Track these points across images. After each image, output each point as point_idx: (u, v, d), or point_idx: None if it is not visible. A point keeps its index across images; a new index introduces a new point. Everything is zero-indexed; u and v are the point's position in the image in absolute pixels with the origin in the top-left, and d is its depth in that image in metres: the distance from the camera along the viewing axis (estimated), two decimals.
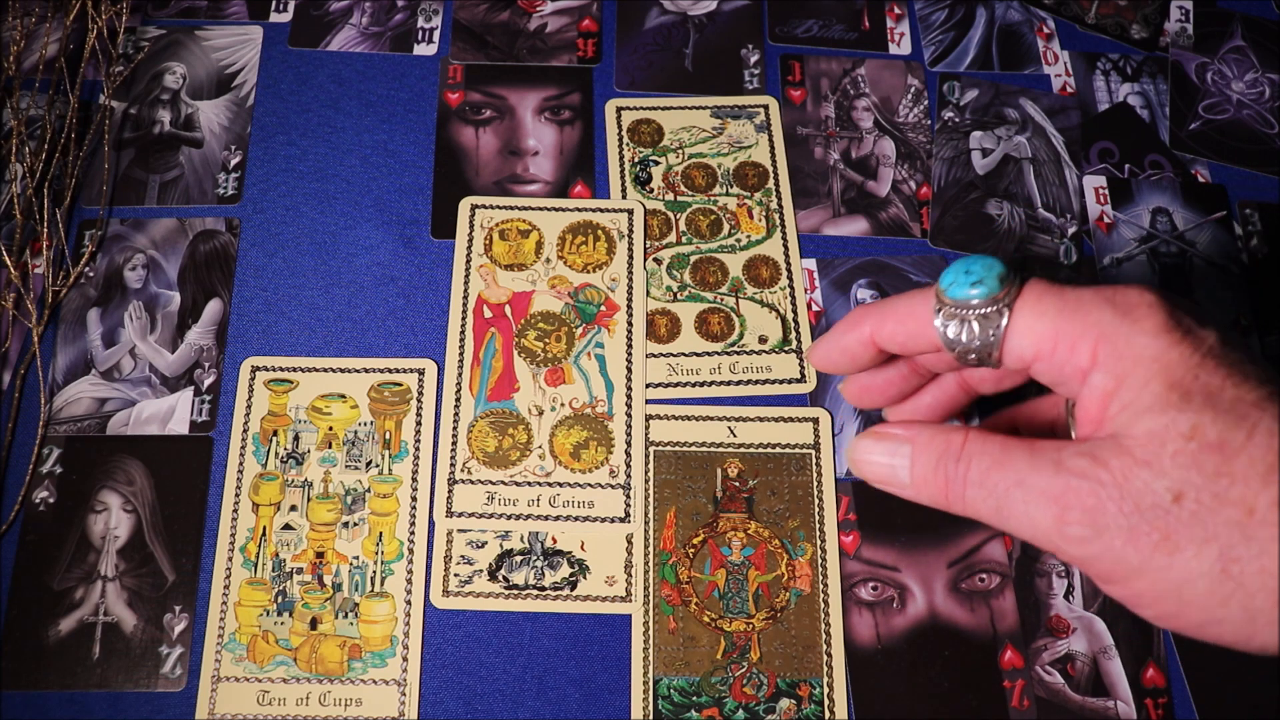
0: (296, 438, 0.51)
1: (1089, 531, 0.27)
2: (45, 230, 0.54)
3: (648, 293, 0.55)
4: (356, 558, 0.48)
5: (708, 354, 0.53)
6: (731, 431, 0.51)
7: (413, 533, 0.49)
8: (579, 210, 0.57)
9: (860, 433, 0.33)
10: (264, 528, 0.49)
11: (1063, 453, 0.28)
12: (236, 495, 0.49)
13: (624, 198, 0.57)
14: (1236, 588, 0.24)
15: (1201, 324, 0.28)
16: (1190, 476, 0.25)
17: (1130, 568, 0.26)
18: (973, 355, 0.30)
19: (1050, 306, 0.29)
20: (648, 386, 0.52)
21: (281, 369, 0.52)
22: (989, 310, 0.29)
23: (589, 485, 0.50)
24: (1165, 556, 0.25)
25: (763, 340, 0.54)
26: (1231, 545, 0.25)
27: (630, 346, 0.53)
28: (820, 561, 0.49)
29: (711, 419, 0.52)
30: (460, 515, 0.49)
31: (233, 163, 0.58)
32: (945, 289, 0.30)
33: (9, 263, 0.53)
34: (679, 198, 0.58)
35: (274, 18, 0.62)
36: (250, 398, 0.51)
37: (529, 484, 0.50)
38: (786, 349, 0.54)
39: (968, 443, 0.30)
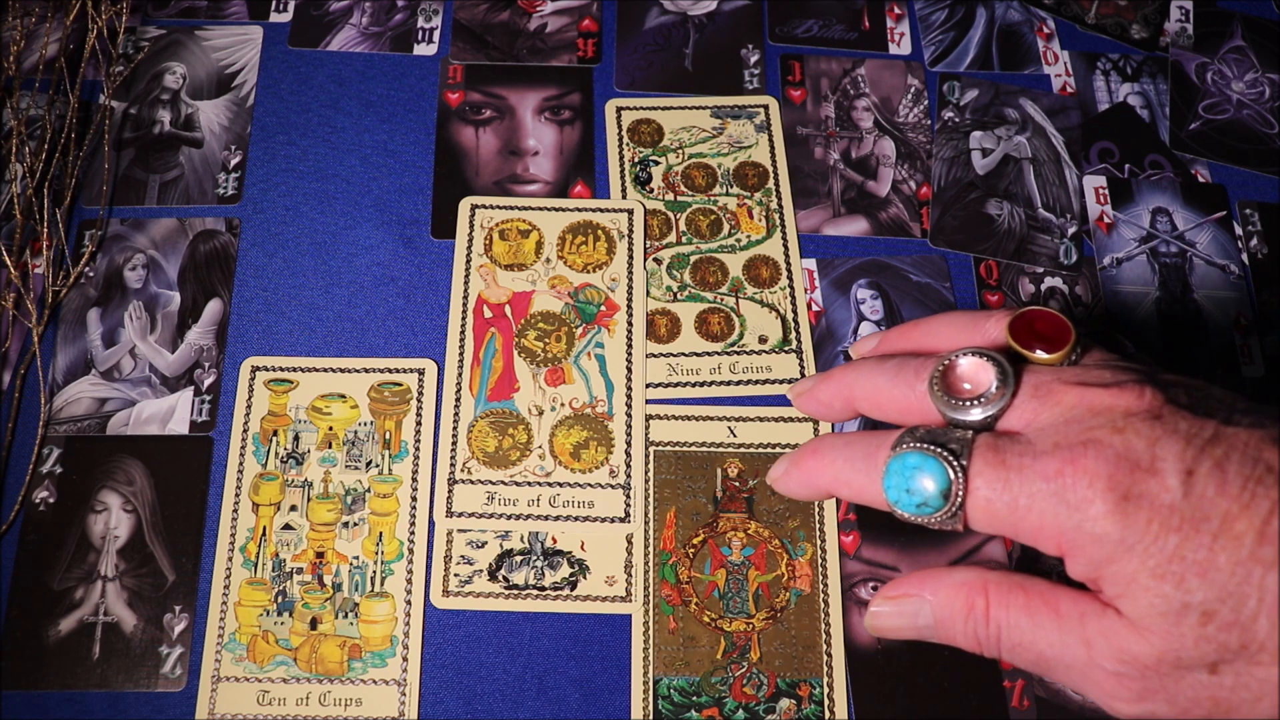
0: (296, 438, 0.51)
1: (1141, 709, 0.27)
2: (45, 230, 0.54)
3: (648, 293, 0.55)
4: (356, 558, 0.48)
5: (708, 354, 0.53)
6: (731, 431, 0.51)
7: (413, 533, 0.49)
8: (579, 210, 0.57)
9: (874, 595, 0.33)
10: (264, 528, 0.49)
11: (1088, 629, 0.28)
12: (236, 495, 0.49)
13: (624, 198, 0.57)
14: None
15: (1158, 465, 0.27)
16: (1221, 654, 0.26)
17: (1132, 689, 0.27)
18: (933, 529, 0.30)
19: (1002, 508, 0.28)
20: (648, 386, 0.52)
21: (281, 369, 0.52)
22: (941, 517, 0.29)
23: (589, 485, 0.50)
24: (1222, 715, 0.26)
25: (763, 340, 0.54)
26: (1278, 693, 0.25)
27: (630, 346, 0.53)
28: (820, 561, 0.49)
29: (711, 419, 0.52)
30: (460, 515, 0.49)
31: (233, 163, 0.58)
32: (893, 504, 0.30)
33: (9, 263, 0.53)
34: (679, 198, 0.58)
35: (274, 18, 0.62)
36: (250, 398, 0.51)
37: (529, 484, 0.50)
38: (786, 349, 0.54)
39: (991, 608, 0.30)
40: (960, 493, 0.29)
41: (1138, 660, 0.27)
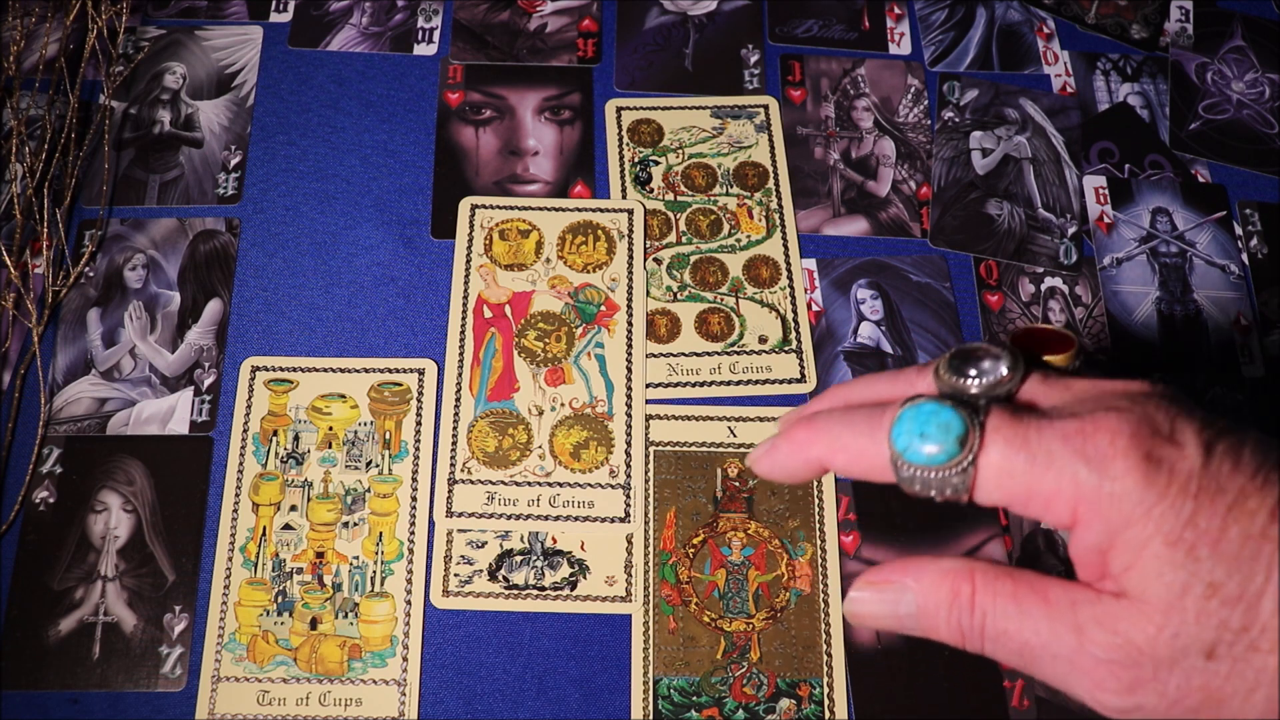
0: (296, 438, 0.51)
1: (1128, 703, 0.26)
2: (45, 230, 0.54)
3: (648, 293, 0.55)
4: (356, 558, 0.48)
5: (708, 354, 0.53)
6: (731, 431, 0.51)
7: (413, 533, 0.49)
8: (579, 210, 0.57)
9: (855, 582, 0.31)
10: (264, 528, 0.49)
11: (1079, 615, 0.27)
12: (236, 495, 0.49)
13: (624, 198, 0.57)
14: None
15: (1177, 437, 0.26)
16: (1220, 634, 0.25)
17: (1119, 685, 0.26)
18: (936, 499, 0.29)
19: (1019, 464, 0.27)
20: (648, 386, 0.52)
21: (281, 369, 0.52)
22: (951, 472, 0.28)
23: (589, 485, 0.50)
24: (1211, 710, 0.25)
25: (763, 340, 0.54)
26: (1275, 684, 0.25)
27: (630, 346, 0.53)
28: (820, 561, 0.49)
29: (711, 419, 0.52)
30: (460, 515, 0.49)
31: (233, 163, 0.58)
32: (901, 451, 0.28)
33: (9, 263, 0.53)
34: (679, 198, 0.58)
35: (274, 18, 0.62)
36: (250, 398, 0.51)
37: (529, 484, 0.50)
38: (786, 349, 0.54)
39: (977, 594, 0.29)
40: (976, 445, 0.27)
41: (1132, 643, 0.26)
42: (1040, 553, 0.49)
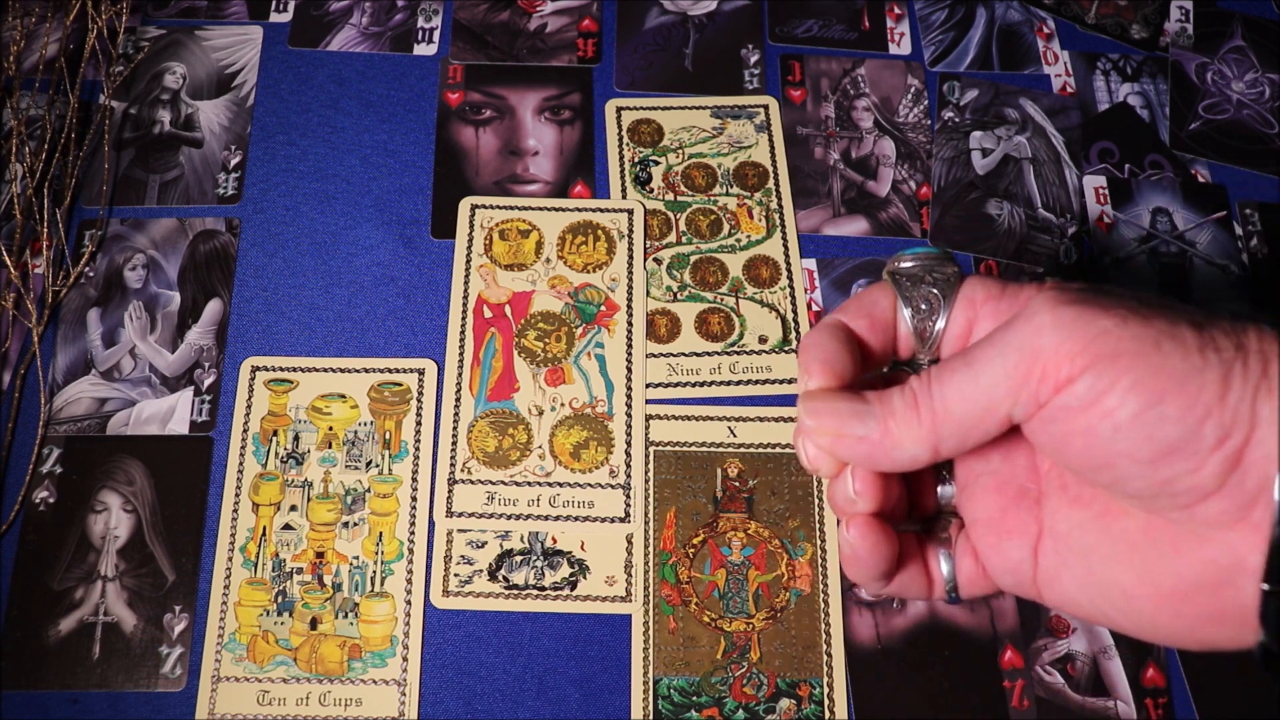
0: (296, 438, 0.51)
1: (1038, 303, 0.29)
2: (45, 230, 0.54)
3: (648, 293, 0.55)
4: (356, 558, 0.48)
5: (708, 354, 0.53)
6: (731, 431, 0.51)
7: (413, 533, 0.49)
8: (579, 210, 0.57)
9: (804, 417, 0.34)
10: (264, 528, 0.49)
11: (1016, 318, 0.30)
12: (236, 495, 0.49)
13: (624, 198, 0.57)
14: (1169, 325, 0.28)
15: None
16: (1124, 309, 0.29)
17: (1073, 321, 0.28)
18: (925, 307, 0.33)
19: (992, 282, 0.33)
20: (648, 386, 0.52)
21: (281, 369, 0.52)
22: (944, 268, 0.33)
23: (589, 485, 0.50)
24: (1139, 316, 0.28)
25: (763, 340, 0.54)
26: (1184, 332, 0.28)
27: (630, 346, 0.53)
28: (820, 561, 0.49)
29: (711, 419, 0.52)
30: (460, 515, 0.49)
31: (233, 163, 0.58)
32: (903, 249, 0.34)
33: (9, 263, 0.53)
34: (679, 198, 0.58)
35: (274, 18, 0.62)
36: (250, 398, 0.51)
37: (529, 484, 0.50)
38: (786, 349, 0.54)
39: (927, 370, 0.32)
40: (959, 269, 0.34)
41: (1066, 291, 0.29)
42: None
